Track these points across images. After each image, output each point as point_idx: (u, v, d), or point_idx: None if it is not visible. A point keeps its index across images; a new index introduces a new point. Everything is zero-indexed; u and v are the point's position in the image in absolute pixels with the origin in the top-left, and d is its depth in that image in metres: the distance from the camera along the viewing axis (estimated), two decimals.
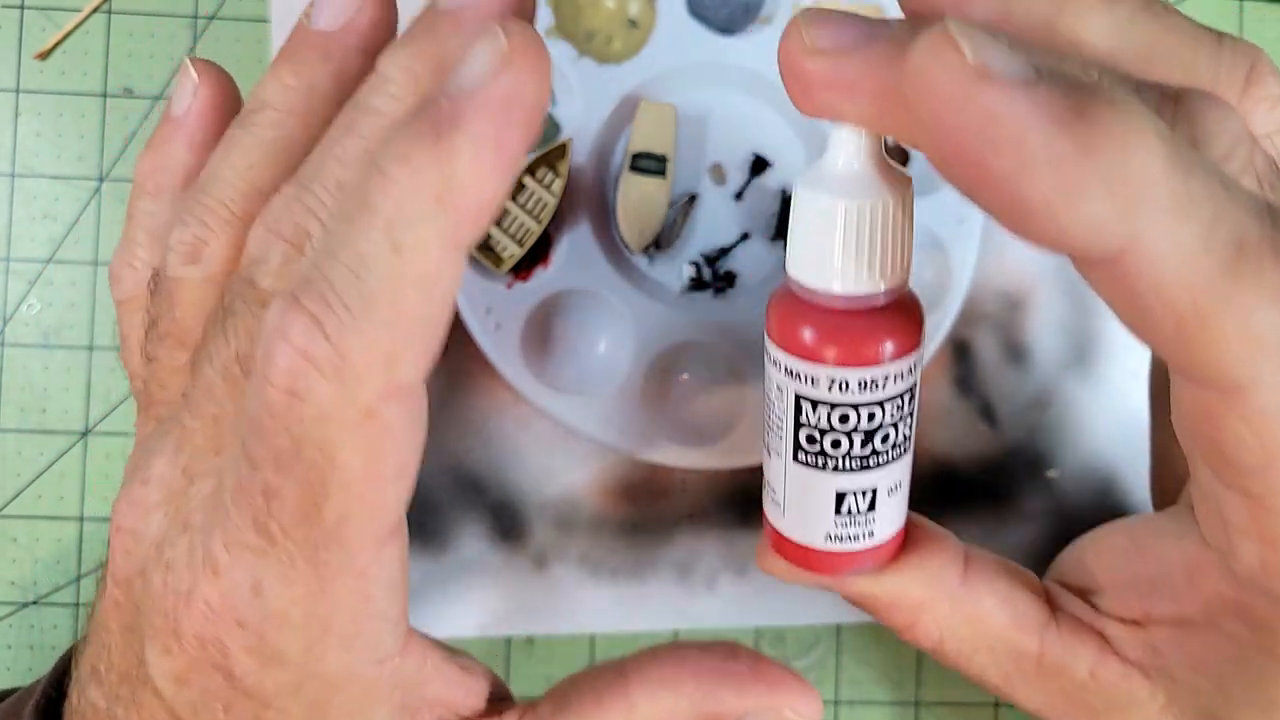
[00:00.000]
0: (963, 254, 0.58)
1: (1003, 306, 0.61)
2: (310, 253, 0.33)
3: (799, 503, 0.40)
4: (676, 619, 0.61)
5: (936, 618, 0.42)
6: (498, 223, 0.57)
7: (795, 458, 0.39)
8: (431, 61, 0.35)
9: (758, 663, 0.40)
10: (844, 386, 0.36)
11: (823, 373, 0.36)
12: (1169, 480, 0.46)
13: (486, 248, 0.57)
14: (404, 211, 0.30)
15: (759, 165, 0.60)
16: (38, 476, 0.60)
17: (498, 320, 0.57)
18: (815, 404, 0.37)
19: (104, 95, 0.61)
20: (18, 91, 0.61)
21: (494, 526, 0.60)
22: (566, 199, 0.58)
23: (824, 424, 0.37)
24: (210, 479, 0.35)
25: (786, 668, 0.40)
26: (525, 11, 0.35)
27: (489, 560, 0.60)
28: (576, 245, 0.58)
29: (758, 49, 0.59)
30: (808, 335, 0.36)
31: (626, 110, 0.59)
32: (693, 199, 0.60)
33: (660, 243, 0.59)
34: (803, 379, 0.37)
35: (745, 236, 0.60)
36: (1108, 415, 0.60)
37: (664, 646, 0.41)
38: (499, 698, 0.42)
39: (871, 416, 0.37)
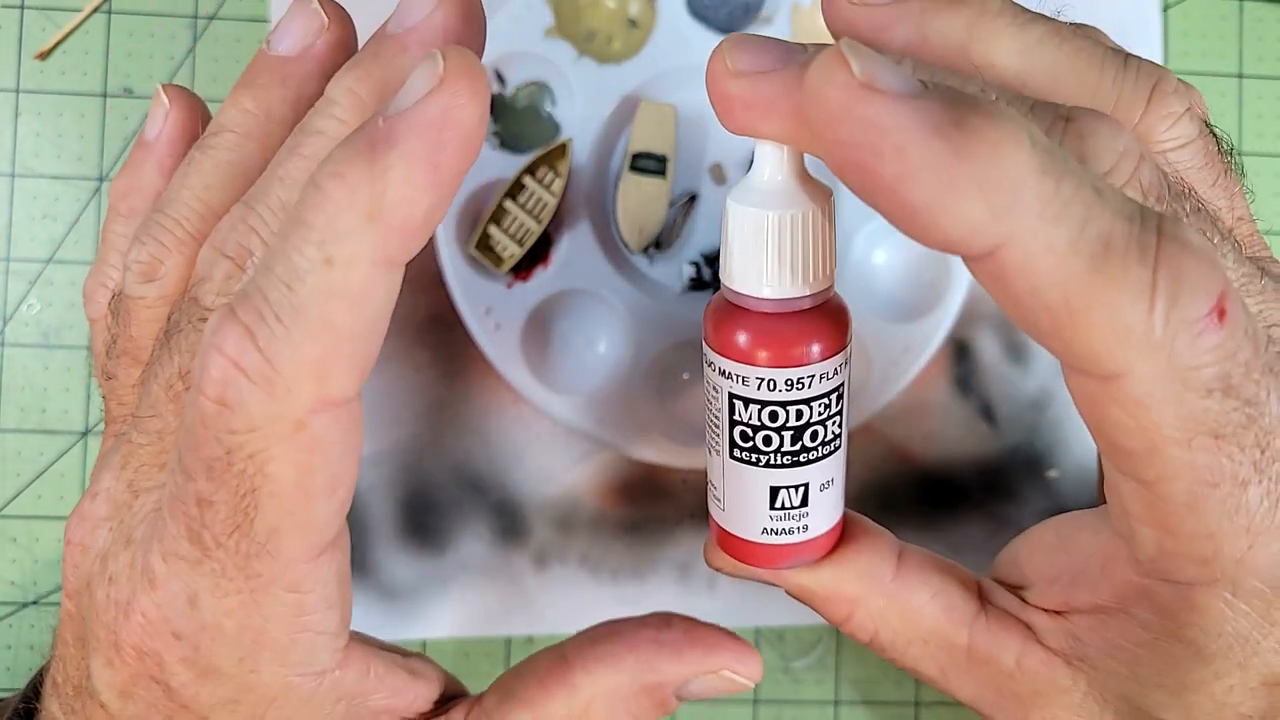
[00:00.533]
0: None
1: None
2: (250, 269, 0.35)
3: (737, 498, 0.41)
4: None
5: (871, 611, 0.42)
6: (498, 222, 0.57)
7: (732, 455, 0.40)
8: (375, 85, 0.36)
9: (693, 629, 0.42)
10: (772, 386, 0.38)
11: (752, 373, 0.38)
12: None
13: (487, 248, 0.57)
14: (336, 226, 0.30)
15: None
16: (38, 476, 0.60)
17: (498, 320, 0.57)
18: (747, 402, 0.39)
19: (104, 95, 0.61)
20: (18, 91, 0.61)
21: (495, 526, 0.60)
22: (566, 199, 0.58)
23: (755, 421, 0.39)
24: (154, 494, 0.36)
25: (724, 631, 0.42)
26: (470, 37, 0.37)
27: (490, 560, 0.60)
28: (576, 245, 0.58)
29: None
30: (738, 338, 0.38)
31: (626, 110, 0.59)
32: (693, 199, 0.60)
33: (660, 242, 0.60)
34: (735, 379, 0.39)
35: None
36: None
37: (600, 625, 0.44)
38: (450, 696, 0.43)
39: (800, 414, 0.38)
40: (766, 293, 0.37)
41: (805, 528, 0.41)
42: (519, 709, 0.41)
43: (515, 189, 0.57)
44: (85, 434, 0.60)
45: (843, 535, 0.43)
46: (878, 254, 0.60)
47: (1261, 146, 0.64)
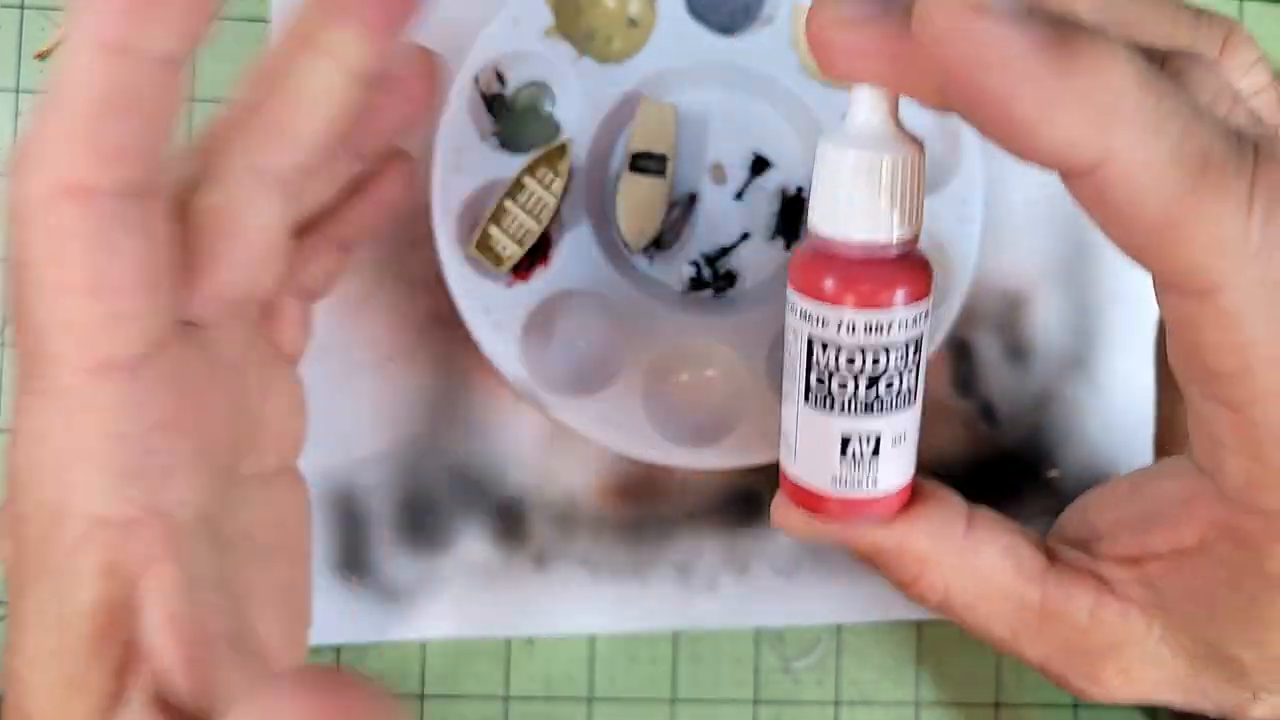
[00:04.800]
0: (963, 254, 0.58)
1: (1003, 306, 0.61)
2: None
3: (809, 446, 0.42)
4: (676, 619, 0.61)
5: (942, 569, 0.43)
6: (498, 222, 0.57)
7: (806, 400, 0.41)
8: None
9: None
10: (851, 329, 0.39)
11: (833, 314, 0.39)
12: (1173, 444, 0.49)
13: (487, 247, 0.57)
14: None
15: (759, 165, 0.60)
16: None
17: (498, 320, 0.57)
18: (825, 345, 0.40)
19: None
20: (17, 92, 0.61)
21: (495, 527, 0.60)
22: (566, 199, 0.58)
23: (832, 365, 0.40)
24: None
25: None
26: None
27: (489, 560, 0.60)
28: (576, 245, 0.58)
29: (758, 49, 0.59)
30: (821, 279, 0.39)
31: (626, 110, 0.59)
32: (693, 198, 0.60)
33: (660, 242, 0.60)
34: (815, 321, 0.39)
35: (745, 236, 0.60)
36: (1108, 415, 0.61)
37: None
38: None
39: (876, 361, 0.39)
40: (855, 235, 0.38)
41: (875, 481, 0.42)
42: None
43: (515, 189, 0.57)
44: None
45: (911, 496, 0.44)
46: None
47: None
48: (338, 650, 0.60)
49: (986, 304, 0.61)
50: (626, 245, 0.59)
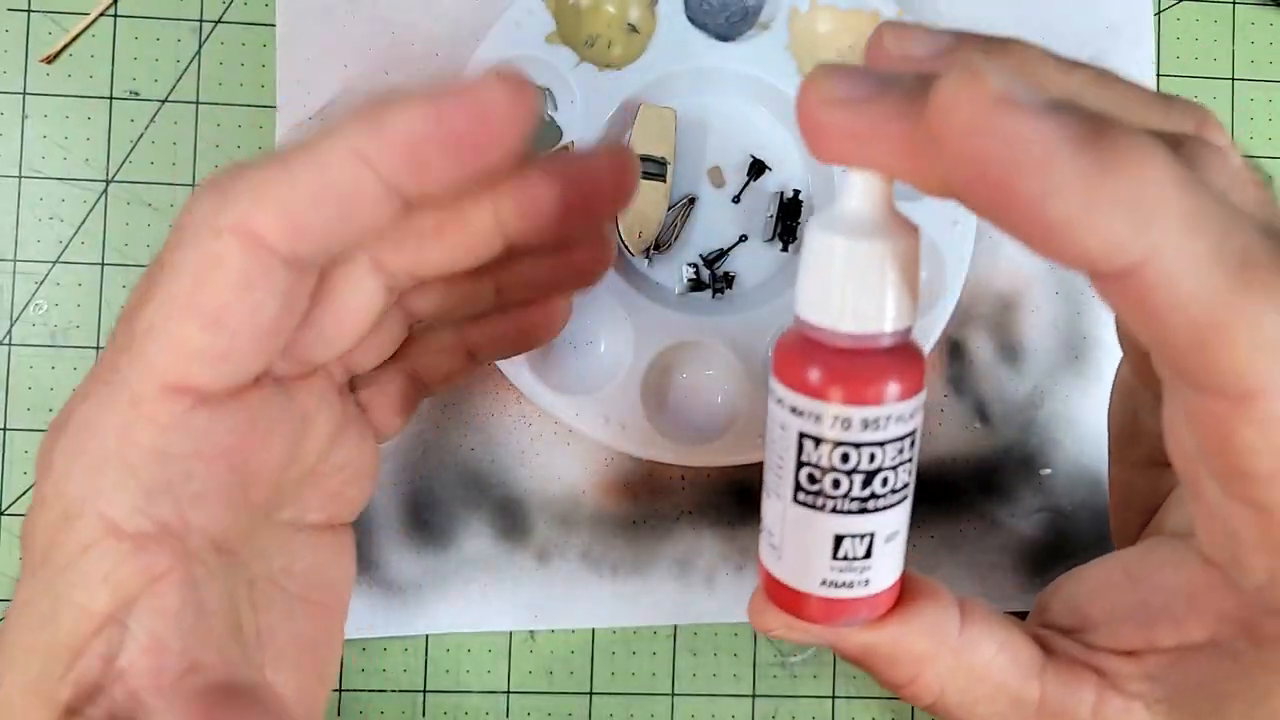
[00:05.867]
0: (957, 255, 0.59)
1: (996, 307, 0.62)
2: None
3: (797, 546, 0.40)
4: (676, 614, 0.61)
5: (938, 671, 0.42)
6: None
7: (795, 498, 0.39)
8: None
9: None
10: (847, 424, 0.37)
11: (827, 410, 0.37)
12: (1131, 518, 0.47)
13: None
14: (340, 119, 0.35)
15: (757, 168, 0.61)
16: None
17: None
18: (818, 441, 0.37)
19: (110, 98, 0.61)
20: (24, 95, 0.61)
21: (497, 523, 0.61)
22: None
23: (825, 463, 0.38)
24: None
25: None
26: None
27: (492, 556, 0.61)
28: None
29: (756, 54, 0.60)
30: (814, 373, 0.37)
31: (627, 114, 0.60)
32: (692, 201, 0.61)
33: (659, 244, 0.60)
34: (807, 416, 0.37)
35: (743, 238, 0.61)
36: (1100, 414, 0.61)
37: None
38: None
39: (872, 457, 0.37)
40: (848, 327, 0.36)
41: (867, 582, 0.39)
42: None
43: None
44: None
45: (902, 592, 0.42)
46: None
47: (1254, 149, 0.64)
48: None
49: (980, 305, 0.62)
50: (626, 247, 0.59)
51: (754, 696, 0.62)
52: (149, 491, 0.36)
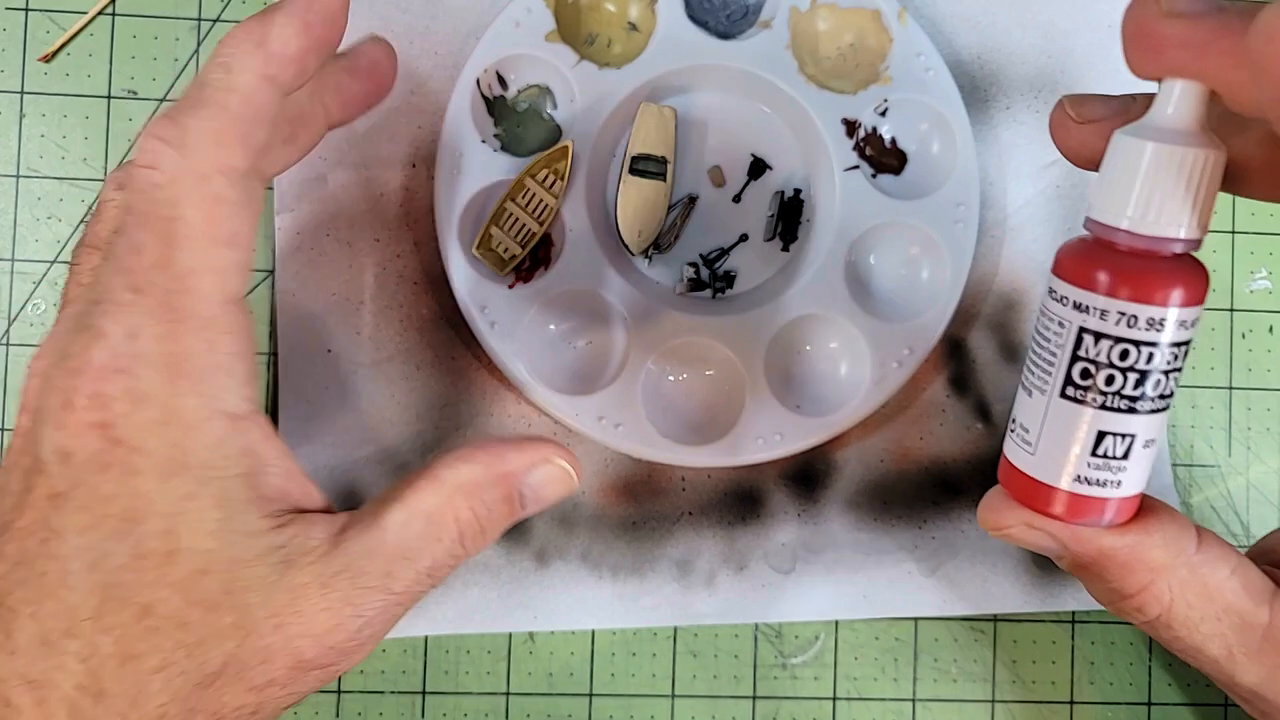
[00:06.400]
0: (959, 255, 0.59)
1: (998, 307, 0.62)
2: None
3: (1055, 441, 0.41)
4: (676, 615, 0.61)
5: (1171, 582, 0.43)
6: (499, 224, 0.58)
7: (1064, 392, 0.41)
8: None
9: (529, 438, 0.50)
10: (1132, 322, 0.39)
11: (1114, 306, 0.39)
12: None
13: (489, 249, 0.58)
14: (235, 49, 0.44)
15: (758, 167, 0.61)
16: None
17: (500, 319, 0.58)
18: (1099, 337, 0.39)
19: (108, 97, 0.61)
20: (22, 94, 0.61)
21: None
22: (567, 201, 0.58)
23: (1104, 358, 0.39)
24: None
25: (548, 439, 0.50)
26: None
27: (491, 557, 0.61)
28: (577, 246, 0.59)
29: (756, 53, 0.59)
30: (1103, 271, 0.39)
31: (627, 113, 0.60)
32: (692, 200, 0.61)
33: (660, 244, 0.60)
34: (1091, 312, 0.39)
35: (744, 238, 0.61)
36: None
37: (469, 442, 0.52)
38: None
39: (1150, 358, 0.39)
40: (1146, 229, 0.38)
41: (1119, 483, 0.41)
42: (392, 506, 0.46)
43: (517, 191, 0.58)
44: None
45: (1140, 508, 0.43)
46: (876, 255, 0.61)
47: None
48: None
49: (981, 304, 0.62)
50: (626, 246, 0.59)
51: (754, 698, 0.62)
52: (243, 382, 0.45)
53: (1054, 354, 0.41)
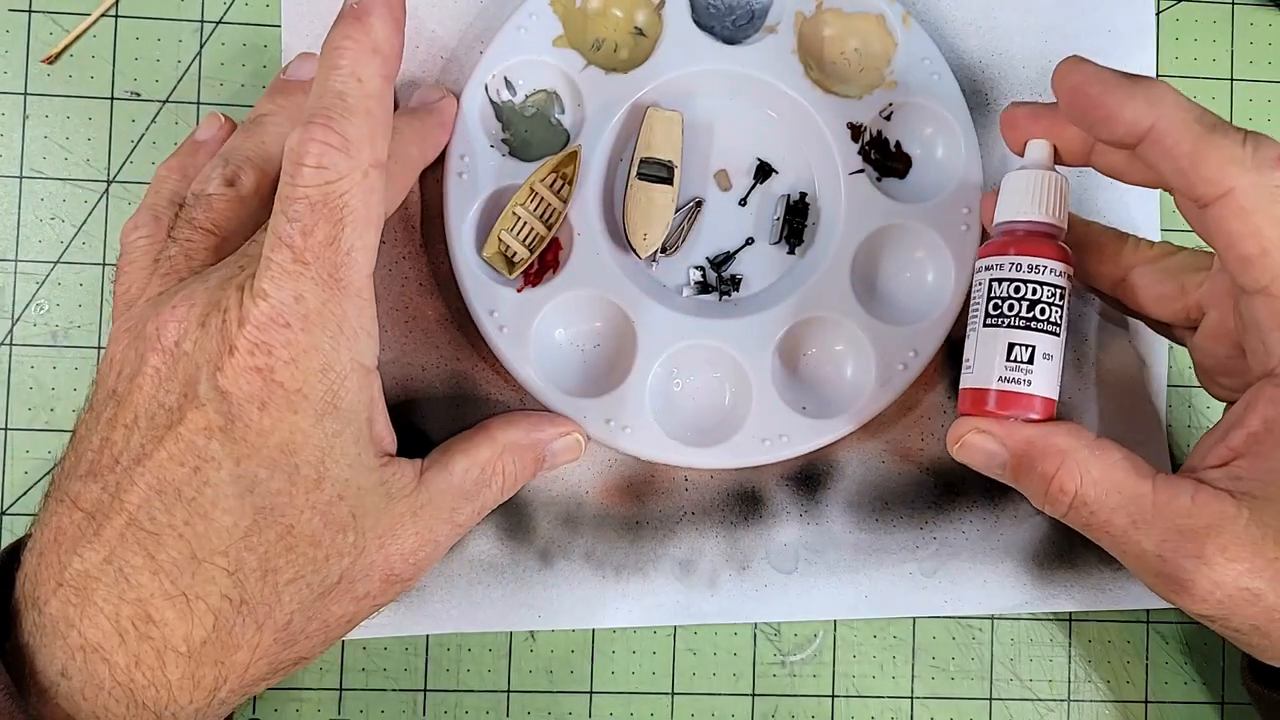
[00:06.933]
0: (964, 258, 0.59)
1: None
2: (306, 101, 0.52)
3: (984, 356, 0.54)
4: (678, 614, 0.62)
5: (1078, 462, 0.52)
6: (508, 228, 0.58)
7: (985, 323, 0.55)
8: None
9: (554, 414, 0.60)
10: (1018, 268, 0.54)
11: (1008, 260, 0.54)
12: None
13: (498, 253, 0.58)
14: (357, 58, 0.50)
15: (764, 171, 0.61)
16: (45, 474, 0.60)
17: (508, 323, 0.58)
18: (1001, 281, 0.54)
19: (111, 98, 0.61)
20: (25, 95, 0.61)
21: (501, 524, 0.61)
22: (575, 205, 0.59)
23: (1004, 293, 0.54)
24: (221, 267, 0.53)
25: (566, 417, 0.59)
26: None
27: (496, 557, 0.61)
28: (584, 250, 0.59)
29: (762, 58, 0.60)
30: (1002, 244, 0.55)
31: (634, 118, 0.60)
32: (698, 204, 0.61)
33: (666, 247, 0.60)
34: (995, 267, 0.55)
35: (750, 241, 0.61)
36: (1101, 415, 0.62)
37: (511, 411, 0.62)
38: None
39: (1034, 291, 0.54)
40: (1026, 216, 0.55)
41: (1030, 382, 0.54)
42: (458, 455, 0.57)
43: (525, 196, 0.58)
44: None
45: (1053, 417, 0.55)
46: (881, 258, 0.61)
47: None
48: (342, 644, 0.61)
49: None
50: (634, 250, 0.60)
51: (753, 695, 0.62)
52: (373, 340, 0.52)
53: (978, 303, 0.55)
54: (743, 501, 0.62)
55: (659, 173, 0.59)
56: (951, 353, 0.62)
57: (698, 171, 0.61)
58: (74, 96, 0.61)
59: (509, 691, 0.61)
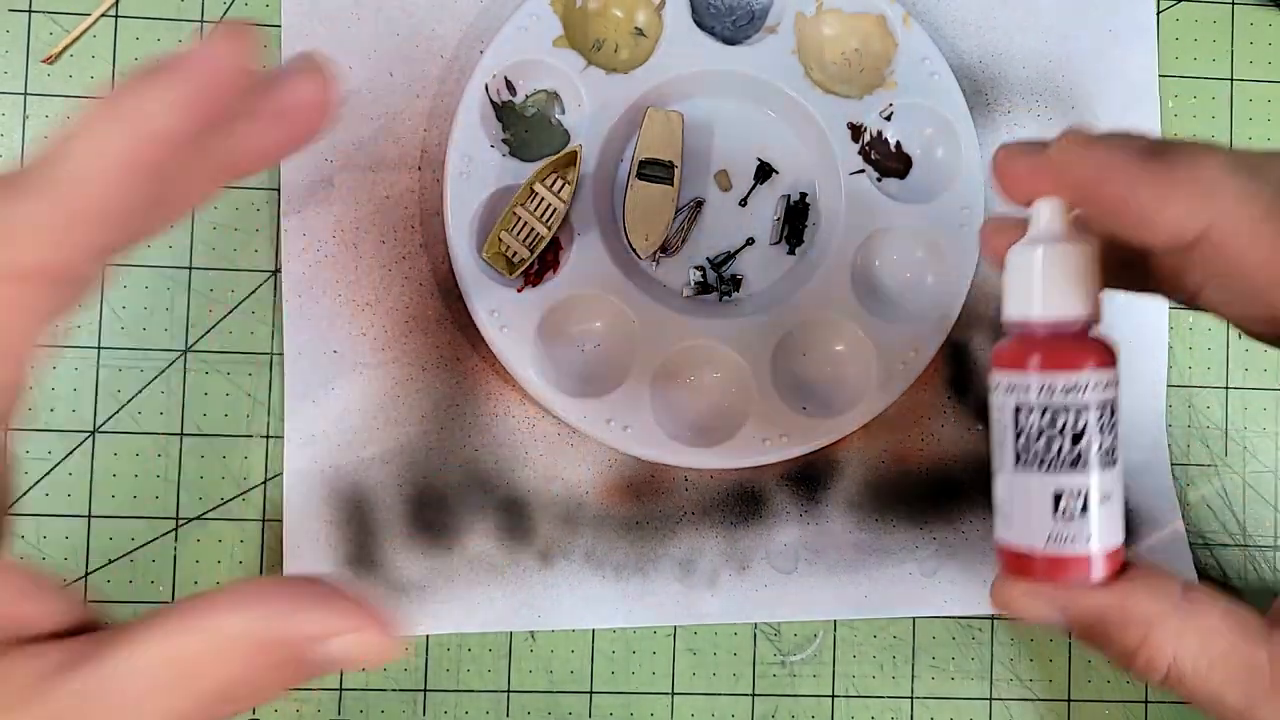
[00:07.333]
0: (964, 258, 0.59)
1: (999, 309, 0.62)
2: None
3: (1022, 509, 0.44)
4: (678, 615, 0.62)
5: (1168, 632, 0.43)
6: (508, 228, 0.58)
7: (1016, 465, 0.44)
8: None
9: (332, 592, 0.38)
10: (1050, 390, 0.43)
11: (1034, 380, 0.43)
12: None
13: (498, 253, 0.58)
14: (94, 124, 0.34)
15: (764, 172, 0.61)
16: (46, 474, 0.60)
17: (508, 323, 0.58)
18: (1029, 409, 0.43)
19: None
20: (25, 95, 0.61)
21: (501, 524, 0.61)
22: (575, 205, 0.59)
23: (1037, 425, 0.43)
24: None
25: (363, 600, 0.38)
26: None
27: (496, 557, 0.61)
28: (585, 251, 0.59)
29: (762, 58, 0.60)
30: (1020, 354, 0.43)
31: (634, 118, 0.60)
32: (699, 204, 0.61)
33: (667, 247, 0.60)
34: (1018, 390, 0.43)
35: (750, 241, 0.61)
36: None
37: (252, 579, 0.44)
38: (85, 628, 0.38)
39: (1077, 418, 0.43)
40: (1046, 314, 0.43)
41: (1088, 538, 0.43)
42: (155, 636, 0.36)
43: (526, 196, 0.58)
44: (93, 433, 0.60)
45: (1123, 566, 0.45)
46: (881, 258, 0.61)
47: (1252, 149, 0.65)
48: None
49: (982, 306, 0.62)
50: (634, 250, 0.60)
51: (753, 695, 0.62)
52: None
53: (1002, 434, 0.44)
54: (743, 501, 0.62)
55: (659, 173, 0.59)
56: (952, 353, 0.62)
57: (698, 171, 0.61)
58: (74, 97, 0.61)
59: (509, 691, 0.61)
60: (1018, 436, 0.43)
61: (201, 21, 0.61)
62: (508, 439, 0.61)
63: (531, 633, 0.61)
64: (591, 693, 0.62)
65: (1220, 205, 0.38)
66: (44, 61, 0.61)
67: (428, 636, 0.61)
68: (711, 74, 0.60)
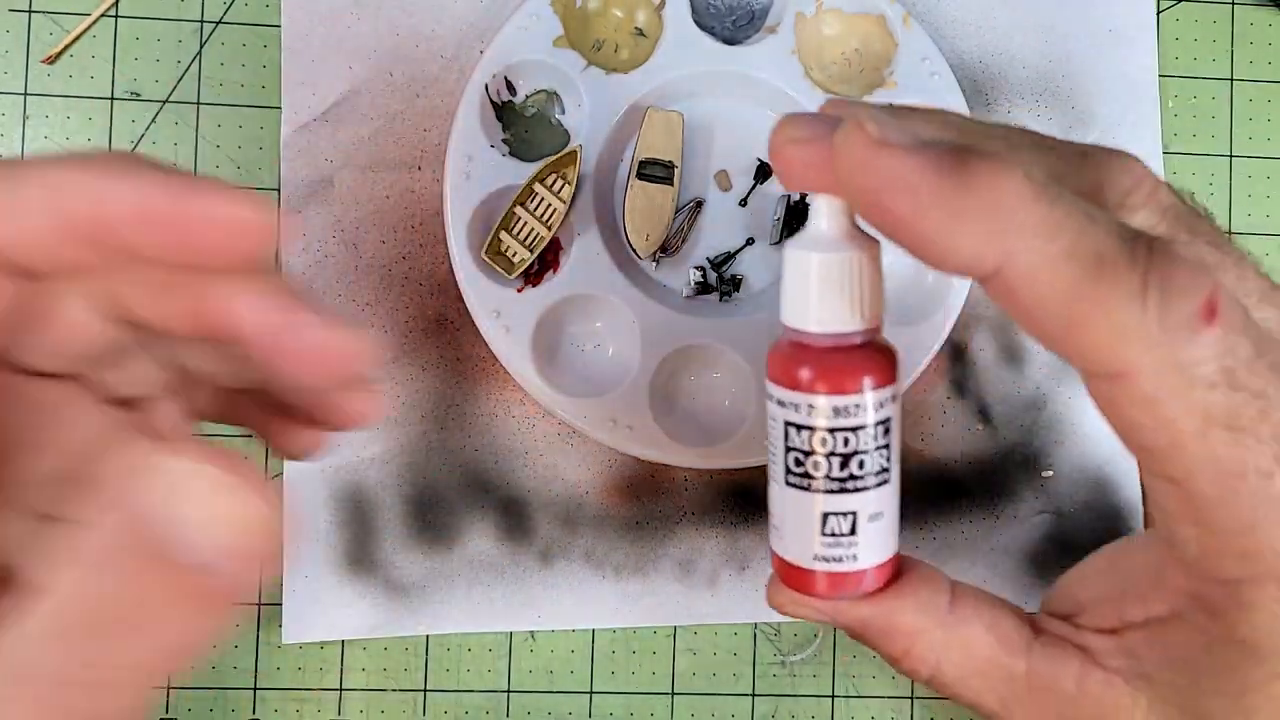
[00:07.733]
0: None
1: (999, 310, 0.62)
2: None
3: (793, 525, 0.43)
4: (678, 615, 0.62)
5: (930, 643, 0.44)
6: (508, 228, 0.58)
7: (787, 481, 0.43)
8: None
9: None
10: (822, 413, 0.41)
11: (804, 400, 0.41)
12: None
13: (498, 253, 0.58)
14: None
15: (764, 172, 0.61)
16: None
17: (508, 323, 0.58)
18: (799, 429, 0.42)
19: (111, 99, 0.61)
20: (25, 95, 0.61)
21: (500, 524, 0.61)
22: (575, 205, 0.59)
23: (807, 447, 0.42)
24: None
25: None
26: None
27: (495, 557, 0.61)
28: (585, 251, 0.59)
29: (762, 58, 0.60)
30: (794, 369, 0.41)
31: (634, 118, 0.60)
32: (699, 205, 0.61)
33: (667, 248, 0.60)
34: (789, 407, 0.42)
35: (750, 241, 0.61)
36: (1100, 417, 0.62)
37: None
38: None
39: (847, 441, 0.41)
40: (822, 328, 0.41)
41: (855, 557, 0.43)
42: None
43: (525, 196, 0.58)
44: None
45: (896, 573, 0.45)
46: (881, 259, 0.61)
47: (1252, 150, 0.65)
48: (342, 644, 0.61)
49: (982, 308, 0.62)
50: (634, 250, 0.60)
51: (753, 696, 0.62)
52: None
53: (775, 445, 0.43)
54: (742, 501, 0.62)
55: (659, 173, 0.59)
56: (952, 353, 0.62)
57: (698, 172, 0.61)
58: (74, 97, 0.61)
59: (509, 691, 0.61)
60: (788, 452, 0.43)
61: (201, 21, 0.61)
62: (508, 439, 0.61)
63: (531, 633, 0.61)
64: (591, 693, 0.62)
65: (1017, 241, 0.33)
66: (44, 61, 0.61)
67: (427, 637, 0.61)
68: (711, 74, 0.60)
